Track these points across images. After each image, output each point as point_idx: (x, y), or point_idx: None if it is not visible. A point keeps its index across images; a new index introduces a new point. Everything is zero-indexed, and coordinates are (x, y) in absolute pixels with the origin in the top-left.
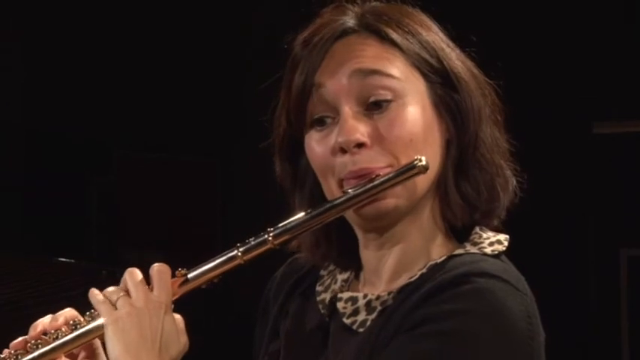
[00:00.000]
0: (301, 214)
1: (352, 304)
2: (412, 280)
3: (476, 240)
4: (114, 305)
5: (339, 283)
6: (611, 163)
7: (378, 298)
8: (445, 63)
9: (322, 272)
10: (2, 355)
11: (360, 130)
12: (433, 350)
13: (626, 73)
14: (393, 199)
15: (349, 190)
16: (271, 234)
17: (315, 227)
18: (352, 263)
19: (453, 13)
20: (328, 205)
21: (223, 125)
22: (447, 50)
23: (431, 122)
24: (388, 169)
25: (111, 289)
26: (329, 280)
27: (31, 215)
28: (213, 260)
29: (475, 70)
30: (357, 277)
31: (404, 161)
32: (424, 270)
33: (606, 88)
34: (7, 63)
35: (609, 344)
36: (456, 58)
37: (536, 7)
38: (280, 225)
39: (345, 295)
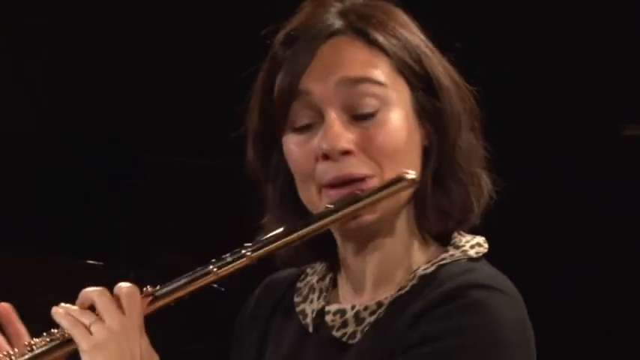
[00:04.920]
0: (280, 230)
1: (341, 317)
2: (403, 292)
3: (457, 243)
4: (88, 329)
5: (317, 292)
6: None
7: (366, 308)
8: (428, 69)
9: (299, 284)
10: None
11: (346, 137)
12: None
13: None
14: (375, 214)
15: (331, 206)
16: (249, 249)
17: (295, 243)
18: (328, 260)
19: (460, 9)
20: (310, 222)
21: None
22: (430, 54)
23: (413, 130)
24: (372, 179)
25: (75, 308)
26: (306, 290)
27: (58, 218)
28: (185, 277)
29: (454, 75)
30: (334, 284)
31: (387, 170)
32: (414, 281)
33: (636, 89)
34: (33, 66)
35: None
36: (437, 63)
37: (564, 7)
38: (259, 240)
39: (333, 307)
